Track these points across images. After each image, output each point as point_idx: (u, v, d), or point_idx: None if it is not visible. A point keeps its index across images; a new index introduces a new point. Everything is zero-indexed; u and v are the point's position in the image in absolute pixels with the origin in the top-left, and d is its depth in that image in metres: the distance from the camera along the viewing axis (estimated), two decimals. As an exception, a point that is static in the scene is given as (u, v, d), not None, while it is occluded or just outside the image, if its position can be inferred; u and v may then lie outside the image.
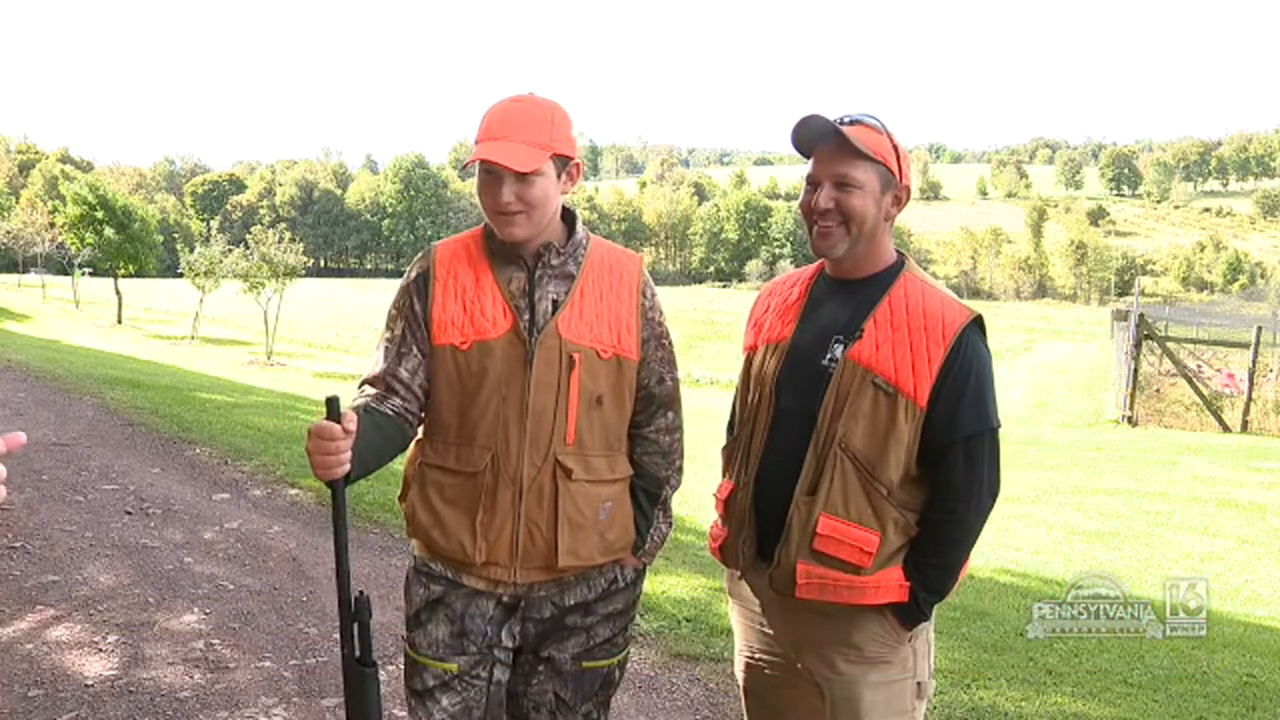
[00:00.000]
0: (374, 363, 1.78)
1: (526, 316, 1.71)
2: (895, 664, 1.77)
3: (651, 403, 1.84)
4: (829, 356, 1.75)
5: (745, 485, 1.85)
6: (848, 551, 1.69)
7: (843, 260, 1.79)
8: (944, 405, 1.68)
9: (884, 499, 1.70)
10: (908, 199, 1.79)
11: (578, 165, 1.76)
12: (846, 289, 1.81)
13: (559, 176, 1.71)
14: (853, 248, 1.75)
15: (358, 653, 1.60)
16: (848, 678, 1.76)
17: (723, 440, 2.02)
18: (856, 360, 1.71)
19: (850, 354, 1.72)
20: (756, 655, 1.95)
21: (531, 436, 1.70)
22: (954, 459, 1.69)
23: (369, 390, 1.76)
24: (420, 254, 1.82)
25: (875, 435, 1.69)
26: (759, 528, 1.83)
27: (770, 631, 1.90)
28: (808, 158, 1.78)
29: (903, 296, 1.74)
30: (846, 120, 1.73)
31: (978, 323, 1.74)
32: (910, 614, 1.73)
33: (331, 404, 1.52)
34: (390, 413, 1.72)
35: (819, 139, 1.74)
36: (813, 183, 1.76)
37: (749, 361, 1.93)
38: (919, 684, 1.79)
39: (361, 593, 1.60)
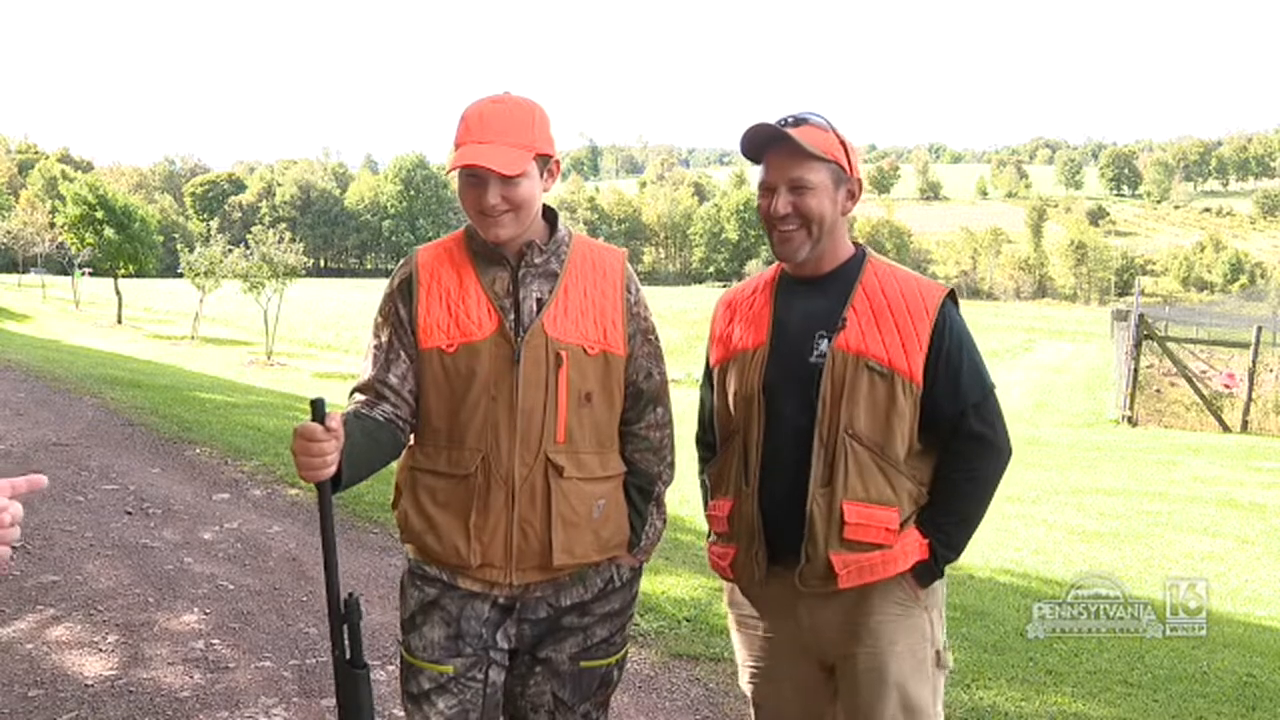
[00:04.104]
0: (363, 370, 1.79)
1: (511, 316, 1.72)
2: (915, 630, 1.79)
3: (640, 398, 1.84)
4: (817, 353, 1.78)
5: (748, 496, 1.84)
6: (875, 533, 1.74)
7: (805, 262, 1.81)
8: (945, 381, 1.75)
9: (898, 473, 1.76)
10: (860, 192, 1.84)
11: (557, 163, 1.77)
12: (814, 286, 1.84)
13: (541, 175, 1.72)
14: (815, 249, 1.79)
15: (348, 654, 1.60)
16: (869, 649, 1.78)
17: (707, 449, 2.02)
18: (845, 349, 1.75)
19: (837, 344, 1.75)
20: (765, 664, 1.93)
21: (522, 436, 1.70)
22: (968, 426, 1.76)
23: (359, 397, 1.76)
24: (403, 260, 1.82)
25: (878, 417, 1.74)
26: (769, 535, 1.83)
27: (781, 638, 1.89)
28: (758, 163, 1.81)
29: (875, 281, 1.79)
30: (791, 121, 1.76)
31: (951, 296, 1.81)
32: (927, 571, 1.78)
33: (316, 405, 1.52)
34: (381, 419, 1.72)
35: (768, 144, 1.77)
36: (768, 188, 1.79)
37: (724, 374, 1.91)
38: (938, 653, 1.82)
39: (351, 594, 1.59)
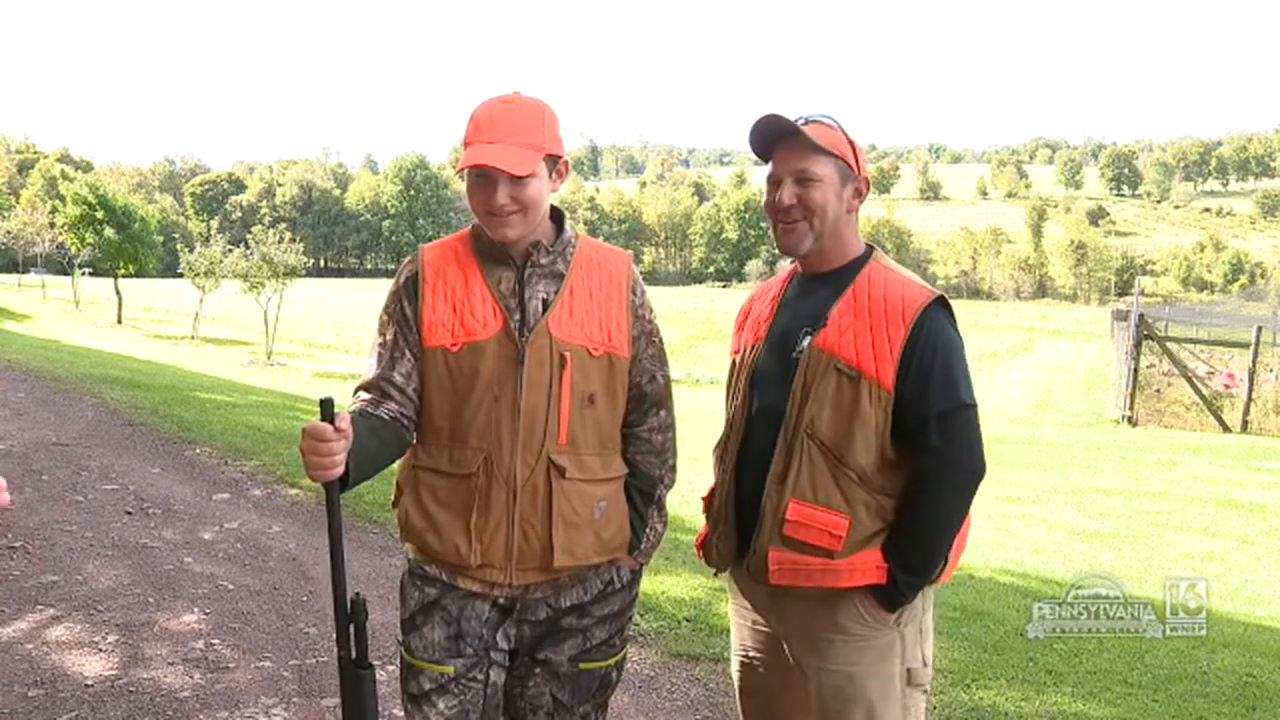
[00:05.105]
0: (367, 368, 1.78)
1: (517, 316, 1.72)
2: (880, 648, 1.77)
3: (643, 401, 1.84)
4: (798, 349, 1.79)
5: (724, 483, 1.89)
6: (817, 536, 1.72)
7: (810, 256, 1.83)
8: (913, 386, 1.70)
9: (854, 483, 1.72)
10: (868, 191, 1.86)
11: (566, 163, 1.77)
12: (816, 283, 1.85)
13: (549, 176, 1.72)
14: (818, 242, 1.80)
15: (354, 654, 1.60)
16: (833, 665, 1.77)
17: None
18: (821, 348, 1.75)
19: (816, 342, 1.76)
20: (751, 653, 1.96)
21: (524, 437, 1.70)
22: (928, 438, 1.69)
23: (364, 395, 1.76)
24: (409, 258, 1.82)
25: (840, 420, 1.72)
26: (739, 523, 1.86)
27: (764, 629, 1.91)
28: (766, 160, 1.83)
29: (866, 284, 1.78)
30: (801, 121, 1.79)
31: (941, 303, 1.76)
32: (889, 596, 1.74)
33: (325, 405, 1.52)
34: (386, 417, 1.72)
35: (777, 138, 1.80)
36: (774, 181, 1.81)
37: (732, 366, 1.97)
38: (909, 670, 1.79)
39: (358, 594, 1.60)
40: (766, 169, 1.84)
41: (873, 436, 1.71)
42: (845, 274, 1.81)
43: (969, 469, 1.72)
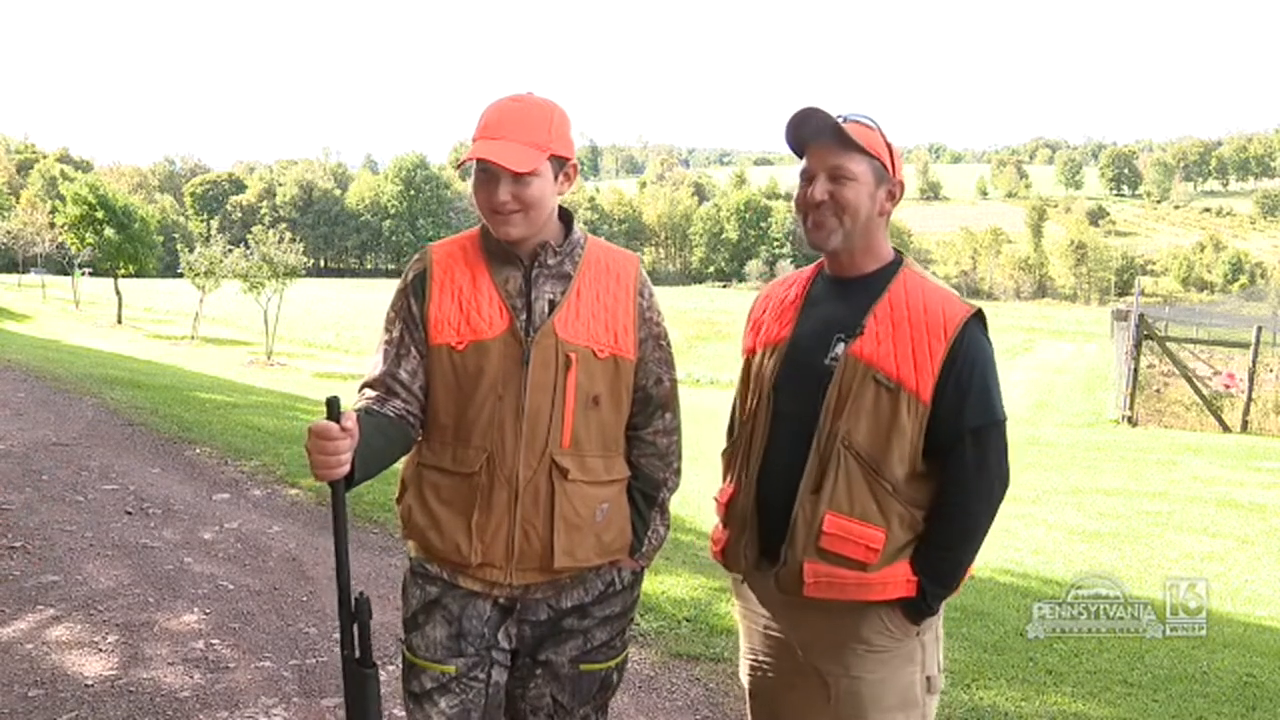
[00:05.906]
0: (373, 365, 1.78)
1: (523, 316, 1.71)
2: (902, 657, 1.77)
3: (649, 404, 1.83)
4: (831, 355, 1.76)
5: (747, 487, 1.86)
6: (854, 549, 1.70)
7: (839, 255, 1.81)
8: (950, 400, 1.69)
9: (889, 495, 1.71)
10: (901, 194, 1.83)
11: (574, 166, 1.76)
12: (845, 287, 1.82)
13: (556, 177, 1.71)
14: (847, 240, 1.77)
15: (357, 654, 1.60)
16: (854, 673, 1.76)
17: (723, 442, 2.02)
18: (858, 357, 1.72)
19: (852, 351, 1.73)
20: (760, 658, 1.94)
21: (527, 437, 1.70)
22: (962, 452, 1.70)
23: (369, 393, 1.76)
24: (416, 256, 1.81)
25: (878, 431, 1.70)
26: (761, 529, 1.83)
27: (775, 634, 1.90)
28: (800, 155, 1.81)
29: (903, 293, 1.75)
30: (840, 119, 1.77)
31: (979, 317, 1.76)
32: (918, 608, 1.74)
33: (331, 404, 1.52)
34: (392, 415, 1.72)
35: (815, 133, 1.77)
36: (807, 176, 1.79)
37: (748, 364, 1.94)
38: (929, 678, 1.80)
39: (361, 594, 1.60)
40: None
41: (908, 449, 1.70)
42: (877, 280, 1.79)
43: (1000, 482, 1.74)
